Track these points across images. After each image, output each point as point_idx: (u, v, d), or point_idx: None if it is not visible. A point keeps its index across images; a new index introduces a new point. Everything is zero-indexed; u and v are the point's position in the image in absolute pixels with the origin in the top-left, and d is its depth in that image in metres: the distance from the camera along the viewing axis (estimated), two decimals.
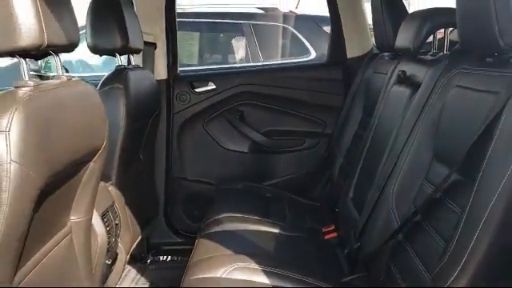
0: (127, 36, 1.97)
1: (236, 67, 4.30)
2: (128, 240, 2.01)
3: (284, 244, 1.86)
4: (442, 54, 1.67)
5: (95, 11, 1.93)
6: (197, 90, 2.70)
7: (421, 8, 1.97)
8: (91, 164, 1.38)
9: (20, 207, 1.00)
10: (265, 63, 4.21)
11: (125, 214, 1.97)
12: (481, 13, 1.12)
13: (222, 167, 2.73)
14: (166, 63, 2.63)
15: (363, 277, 1.55)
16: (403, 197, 1.44)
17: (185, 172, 2.73)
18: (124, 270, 2.07)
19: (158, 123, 2.49)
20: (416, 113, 1.50)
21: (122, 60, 2.12)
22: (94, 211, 1.52)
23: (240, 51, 4.56)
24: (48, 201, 1.16)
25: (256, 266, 1.58)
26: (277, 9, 4.81)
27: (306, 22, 4.42)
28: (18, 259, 1.07)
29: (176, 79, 2.68)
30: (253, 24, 4.44)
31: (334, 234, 1.98)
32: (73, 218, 1.39)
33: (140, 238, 2.20)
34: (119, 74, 1.98)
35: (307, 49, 4.23)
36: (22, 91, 1.06)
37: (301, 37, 4.33)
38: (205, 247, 1.80)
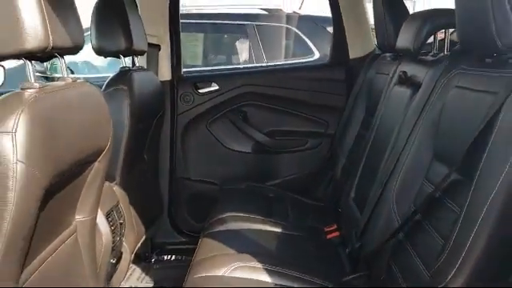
0: (131, 38, 1.99)
1: (239, 68, 4.32)
2: (132, 239, 2.03)
3: (286, 243, 1.88)
4: (442, 54, 1.68)
5: (100, 13, 1.95)
6: (200, 90, 2.72)
7: (426, 8, 1.98)
8: (96, 164, 1.40)
9: (26, 206, 1.02)
10: (267, 64, 4.23)
11: (129, 214, 1.99)
12: (479, 14, 1.13)
13: (225, 167, 2.75)
14: (170, 64, 2.66)
15: (364, 276, 1.56)
16: (404, 196, 1.45)
17: (189, 172, 2.76)
18: (129, 269, 2.09)
19: (162, 124, 2.51)
20: (416, 113, 1.52)
21: (127, 61, 2.15)
22: (99, 211, 1.54)
23: (244, 52, 4.58)
24: (53, 200, 1.18)
25: (258, 265, 1.60)
26: (280, 10, 4.83)
27: (310, 23, 4.44)
28: (24, 258, 1.09)
29: (180, 80, 2.70)
30: (256, 25, 4.46)
31: (336, 234, 1.99)
32: (78, 217, 1.41)
33: (144, 237, 2.22)
34: (123, 76, 2.01)
35: (311, 49, 4.24)
36: (28, 93, 1.09)
37: (304, 37, 4.35)
38: (208, 246, 1.82)
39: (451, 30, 1.72)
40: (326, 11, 2.85)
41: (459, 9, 1.25)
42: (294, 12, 4.77)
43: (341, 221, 2.05)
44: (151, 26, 2.45)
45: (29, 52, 1.10)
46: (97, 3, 1.96)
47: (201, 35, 4.58)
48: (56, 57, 1.26)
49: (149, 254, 2.63)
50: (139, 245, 2.16)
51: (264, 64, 4.24)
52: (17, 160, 0.98)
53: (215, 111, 2.74)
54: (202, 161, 2.76)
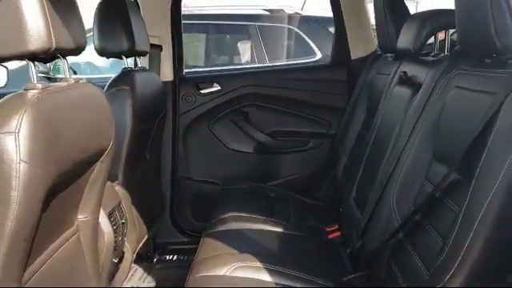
0: (133, 39, 2.01)
1: (241, 68, 4.33)
2: (134, 239, 2.04)
3: (287, 243, 1.89)
4: (442, 55, 1.69)
5: (102, 14, 1.96)
6: (202, 91, 2.73)
7: (429, 8, 1.99)
8: (98, 164, 1.41)
9: (29, 205, 1.03)
10: (269, 64, 4.24)
11: (131, 214, 2.00)
12: (478, 15, 1.14)
13: (227, 167, 2.76)
14: (172, 65, 2.67)
15: (365, 275, 1.57)
16: (404, 196, 1.46)
17: (190, 172, 2.77)
18: (131, 268, 2.10)
19: (164, 124, 2.52)
20: (417, 113, 1.53)
21: (129, 62, 2.16)
22: (101, 210, 1.55)
23: (246, 53, 4.59)
24: (56, 200, 1.19)
25: (259, 265, 1.61)
26: (282, 10, 4.84)
27: (312, 23, 4.45)
28: (27, 257, 1.10)
29: (182, 81, 2.72)
30: (258, 26, 4.48)
31: (338, 234, 2.00)
32: (80, 216, 1.42)
33: (146, 237, 2.23)
34: (126, 76, 2.02)
35: (313, 50, 4.25)
36: (31, 93, 1.10)
37: (306, 38, 4.36)
38: (209, 246, 1.83)
39: (452, 31, 1.73)
40: (327, 11, 2.86)
41: (459, 9, 1.26)
42: (296, 12, 4.78)
43: (342, 221, 2.06)
44: (153, 26, 2.46)
45: (32, 53, 1.11)
46: (99, 4, 1.97)
47: (203, 36, 4.60)
48: (59, 58, 1.27)
49: (151, 253, 2.64)
50: (141, 244, 2.16)
51: (265, 64, 4.25)
52: (20, 160, 0.99)
53: (217, 111, 2.75)
54: (204, 161, 2.77)
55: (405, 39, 1.79)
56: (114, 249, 1.72)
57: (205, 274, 1.58)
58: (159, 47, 2.61)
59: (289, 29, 4.57)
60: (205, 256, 1.73)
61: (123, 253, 1.93)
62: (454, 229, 1.06)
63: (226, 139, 2.77)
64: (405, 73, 1.78)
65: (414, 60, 1.79)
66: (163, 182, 2.64)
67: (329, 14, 2.76)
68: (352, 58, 2.67)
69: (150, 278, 2.49)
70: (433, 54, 1.77)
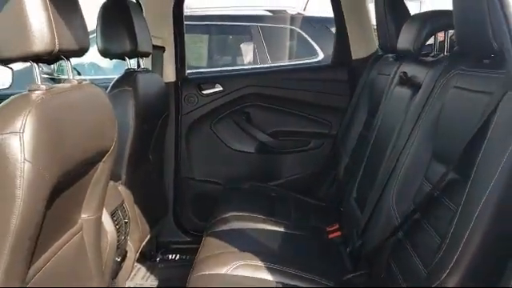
0: (136, 40, 2.03)
1: (242, 69, 4.35)
2: (137, 238, 2.06)
3: (288, 242, 1.91)
4: (442, 55, 1.70)
5: (105, 16, 1.99)
6: (204, 92, 2.76)
7: (433, 8, 2.00)
8: (101, 164, 1.43)
9: (33, 204, 1.05)
10: (270, 65, 4.26)
11: (134, 213, 2.02)
12: (475, 16, 1.15)
13: (229, 167, 2.78)
14: (175, 66, 2.69)
15: (365, 274, 1.58)
16: (403, 195, 1.47)
17: (193, 172, 2.79)
18: (134, 267, 2.12)
19: (166, 125, 2.54)
20: (416, 113, 1.54)
21: (132, 63, 2.18)
22: (104, 209, 1.57)
23: (248, 54, 4.61)
24: (60, 199, 1.21)
25: (260, 264, 1.62)
26: (285, 11, 4.85)
27: (314, 24, 4.46)
28: (31, 255, 1.12)
29: (184, 81, 2.74)
30: (261, 26, 4.49)
31: (338, 233, 2.01)
32: (83, 215, 1.44)
33: (149, 236, 2.25)
34: (128, 77, 2.04)
35: (315, 50, 4.27)
36: (35, 94, 1.12)
37: (308, 38, 4.37)
38: (211, 245, 1.84)
39: (451, 32, 1.74)
40: (330, 12, 2.87)
41: (456, 11, 1.28)
42: (298, 13, 4.80)
43: (342, 220, 2.07)
44: (156, 28, 2.48)
45: (36, 55, 1.13)
46: (102, 6, 1.99)
47: (205, 37, 4.62)
48: (62, 59, 1.29)
49: (154, 253, 2.66)
50: (144, 243, 2.18)
51: (267, 65, 4.27)
52: (24, 159, 1.01)
53: (219, 112, 2.77)
54: (206, 161, 2.79)
55: (405, 40, 1.80)
56: (117, 247, 1.74)
57: (206, 273, 1.60)
58: (162, 48, 2.63)
59: (291, 29, 4.59)
60: (206, 255, 1.75)
61: (126, 252, 1.95)
62: (452, 226, 1.08)
63: (227, 139, 2.79)
64: (405, 73, 1.79)
65: (414, 60, 1.80)
66: (166, 182, 2.66)
67: (331, 14, 2.77)
68: (353, 58, 2.68)
69: (152, 277, 2.51)
70: (432, 54, 1.78)
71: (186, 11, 4.28)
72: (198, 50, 4.66)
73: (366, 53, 2.65)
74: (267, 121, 2.79)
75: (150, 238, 2.28)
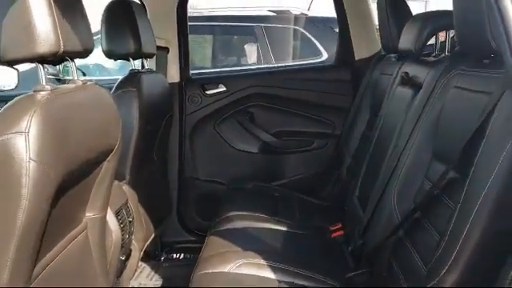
0: (140, 41, 2.05)
1: (246, 69, 4.37)
2: (141, 237, 2.08)
3: (291, 241, 1.92)
4: (443, 55, 1.71)
5: (109, 17, 2.01)
6: (208, 92, 2.77)
7: (438, 7, 2.00)
8: (105, 163, 1.45)
9: (38, 202, 1.07)
10: (273, 65, 4.27)
11: (138, 213, 2.04)
12: (475, 17, 1.16)
13: (232, 167, 2.80)
14: (179, 67, 2.71)
15: (366, 272, 1.59)
16: (404, 195, 1.48)
17: (197, 172, 2.80)
18: (138, 266, 2.14)
19: (170, 125, 2.56)
20: (417, 113, 1.55)
21: (136, 64, 2.20)
22: (109, 209, 1.59)
23: (252, 54, 4.63)
24: (65, 198, 1.23)
25: (263, 262, 1.64)
26: (289, 11, 4.87)
27: (318, 24, 4.47)
28: (36, 253, 1.14)
29: (188, 82, 2.76)
30: (265, 27, 4.51)
31: (341, 232, 2.02)
32: (88, 214, 1.46)
33: (153, 235, 2.27)
34: (133, 78, 2.06)
35: (319, 50, 4.28)
36: (40, 95, 1.14)
37: (312, 38, 4.38)
38: (214, 244, 1.86)
39: (452, 32, 1.74)
40: (333, 12, 2.88)
41: (456, 11, 1.29)
42: (302, 13, 4.81)
43: (345, 219, 2.08)
44: (159, 28, 2.50)
45: (41, 56, 1.15)
46: (107, 7, 2.02)
47: (210, 37, 4.64)
48: (67, 60, 1.31)
49: (158, 252, 2.68)
50: (148, 243, 2.20)
51: (270, 65, 4.29)
52: (29, 159, 1.03)
53: (223, 112, 2.79)
54: (210, 161, 2.81)
55: (406, 40, 1.81)
56: (121, 246, 1.75)
57: (209, 271, 1.62)
58: (166, 49, 2.65)
59: (295, 29, 4.60)
60: (210, 254, 1.76)
61: (130, 250, 1.97)
62: (451, 224, 1.09)
63: (231, 139, 2.81)
64: (406, 73, 1.80)
65: (416, 60, 1.81)
66: (170, 182, 2.68)
67: (335, 14, 2.78)
68: (356, 58, 2.69)
69: (157, 276, 2.53)
70: (434, 54, 1.79)
71: (193, 12, 4.31)
72: (202, 50, 4.68)
73: (369, 53, 2.66)
74: (271, 121, 2.80)
75: (155, 238, 2.30)
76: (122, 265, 1.87)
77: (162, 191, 2.55)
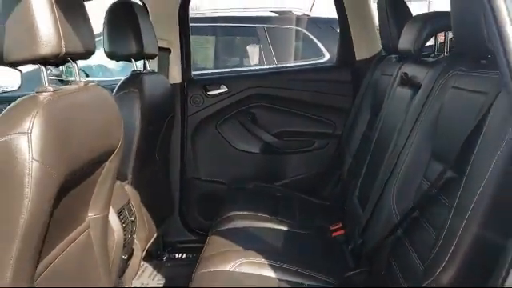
0: (142, 42, 2.06)
1: (247, 70, 4.38)
2: (144, 237, 2.09)
3: (291, 241, 1.93)
4: (442, 56, 1.72)
5: (111, 19, 2.02)
6: (210, 93, 2.79)
7: (442, 8, 2.01)
8: (107, 164, 1.46)
9: (41, 201, 1.08)
10: (275, 66, 4.29)
11: (140, 212, 2.05)
12: (471, 17, 1.17)
13: (234, 167, 2.81)
14: (181, 67, 2.73)
15: (365, 271, 1.60)
16: (403, 194, 1.49)
17: (199, 172, 2.82)
18: (140, 265, 2.15)
19: (172, 125, 2.57)
20: (416, 113, 1.56)
21: (138, 65, 2.22)
22: (111, 208, 1.61)
23: (254, 55, 4.64)
24: (67, 197, 1.25)
25: (263, 261, 1.65)
26: (291, 12, 4.87)
27: (320, 25, 4.48)
28: (39, 252, 1.16)
29: (190, 83, 2.77)
30: (267, 27, 4.52)
31: (341, 232, 2.03)
32: (90, 214, 1.47)
33: (156, 235, 2.28)
34: (134, 79, 2.08)
35: (321, 51, 4.28)
36: (43, 96, 1.16)
37: (315, 39, 4.39)
38: (216, 243, 1.88)
39: (451, 32, 1.75)
40: (335, 13, 2.89)
41: (454, 12, 1.30)
42: (304, 14, 4.82)
43: (346, 219, 2.10)
44: (161, 30, 2.52)
45: (43, 57, 1.17)
46: (109, 9, 2.03)
47: (212, 38, 4.65)
48: (69, 61, 1.33)
49: (160, 252, 2.69)
50: (150, 242, 2.22)
51: (271, 66, 4.30)
52: (32, 159, 1.05)
53: (224, 113, 2.81)
54: (212, 161, 2.83)
55: (405, 40, 1.82)
56: (124, 246, 1.77)
57: (210, 270, 1.63)
58: (167, 50, 2.67)
59: (297, 30, 4.60)
60: (211, 253, 1.78)
61: (132, 250, 1.98)
62: (447, 221, 1.10)
63: (233, 140, 2.82)
64: (405, 74, 1.82)
65: (415, 61, 1.82)
66: (172, 182, 2.69)
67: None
68: (357, 59, 2.70)
69: (159, 276, 2.54)
70: (433, 55, 1.80)
71: (196, 13, 4.32)
72: (204, 51, 4.69)
73: (370, 53, 2.67)
74: (272, 121, 2.82)
75: (157, 237, 2.32)
76: (125, 264, 1.88)
77: (164, 191, 2.56)
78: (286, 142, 2.83)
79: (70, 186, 1.24)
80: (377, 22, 2.48)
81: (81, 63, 1.40)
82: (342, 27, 2.72)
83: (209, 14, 4.94)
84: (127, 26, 2.03)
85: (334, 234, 2.04)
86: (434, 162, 1.41)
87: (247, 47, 4.71)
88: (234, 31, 4.73)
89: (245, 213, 2.14)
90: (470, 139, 1.14)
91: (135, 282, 2.35)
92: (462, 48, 1.32)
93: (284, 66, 4.33)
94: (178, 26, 2.68)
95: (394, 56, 2.23)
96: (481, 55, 1.27)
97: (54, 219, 1.18)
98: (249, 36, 4.66)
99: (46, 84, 1.20)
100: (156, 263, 2.63)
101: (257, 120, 2.83)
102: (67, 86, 1.34)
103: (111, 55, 2.07)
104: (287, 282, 1.59)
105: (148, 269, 2.58)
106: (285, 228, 2.03)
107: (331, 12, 2.91)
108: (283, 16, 4.78)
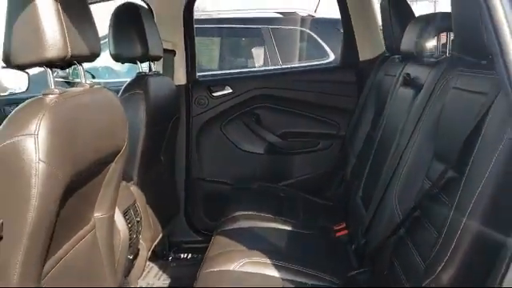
0: (147, 45, 2.08)
1: (251, 71, 4.40)
2: (149, 237, 2.11)
3: (295, 241, 1.95)
4: (444, 56, 1.73)
5: (117, 21, 2.05)
6: (214, 94, 2.81)
7: (448, 7, 2.01)
8: (113, 164, 1.48)
9: (47, 201, 1.10)
10: (279, 67, 4.30)
11: (146, 213, 2.07)
12: (471, 18, 1.18)
13: (239, 168, 2.83)
14: (185, 69, 2.75)
15: (368, 271, 1.61)
16: (405, 194, 1.50)
17: (204, 173, 2.84)
18: (146, 265, 2.17)
19: (177, 127, 2.59)
20: (418, 114, 1.57)
21: (143, 67, 2.24)
22: (117, 209, 1.63)
23: (259, 56, 4.65)
24: (73, 198, 1.27)
25: (267, 261, 1.67)
26: (295, 13, 4.89)
27: (325, 25, 4.48)
28: (46, 251, 1.18)
29: (195, 84, 2.80)
30: (272, 28, 4.53)
31: (345, 232, 2.05)
32: (96, 214, 1.49)
33: (161, 235, 2.30)
34: (140, 81, 2.10)
35: (326, 51, 4.29)
36: (49, 98, 1.18)
37: (319, 40, 4.40)
38: (220, 243, 1.89)
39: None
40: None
41: (455, 12, 1.31)
42: (309, 15, 4.82)
43: (349, 219, 2.11)
44: (166, 32, 2.54)
45: (49, 60, 1.20)
46: (114, 12, 2.06)
47: (217, 39, 4.67)
48: (75, 64, 1.36)
49: (166, 252, 2.71)
50: (156, 243, 2.23)
51: (275, 67, 4.31)
52: (39, 160, 1.07)
53: (229, 114, 2.82)
54: (217, 162, 2.85)
55: (408, 41, 1.83)
56: (129, 246, 1.78)
57: (215, 270, 1.65)
58: (172, 52, 2.69)
59: (302, 31, 4.61)
60: (215, 253, 1.80)
61: (138, 250, 2.00)
62: (447, 220, 1.11)
63: (237, 141, 2.84)
64: (408, 74, 1.83)
65: (417, 62, 1.83)
66: (177, 183, 2.72)
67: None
68: (360, 59, 2.71)
69: (165, 276, 2.56)
70: (435, 55, 1.80)
71: (201, 14, 4.33)
72: (210, 52, 4.71)
73: (373, 54, 2.68)
74: (276, 122, 2.83)
75: (162, 238, 2.33)
76: (130, 264, 1.90)
77: (169, 192, 2.58)
78: (290, 143, 2.84)
79: (75, 187, 1.26)
80: (380, 23, 2.49)
81: (87, 65, 1.42)
82: (346, 28, 2.73)
83: (215, 16, 4.96)
84: (132, 28, 2.06)
85: (338, 234, 2.05)
86: (436, 162, 1.42)
87: (252, 48, 4.72)
88: (239, 32, 4.75)
89: (249, 213, 2.15)
90: (469, 139, 1.14)
91: (141, 282, 2.37)
92: (462, 49, 1.33)
93: (287, 67, 4.34)
94: (182, 28, 2.70)
95: (397, 56, 2.24)
96: (481, 56, 1.27)
97: (60, 219, 1.20)
98: (254, 37, 4.67)
99: (53, 86, 1.23)
100: (161, 263, 2.65)
101: (261, 121, 2.84)
102: (73, 89, 1.37)
103: (117, 57, 2.10)
104: (291, 281, 1.60)
105: (154, 269, 2.60)
106: (289, 228, 2.05)
107: (336, 12, 2.92)
108: (288, 17, 4.79)
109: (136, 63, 2.19)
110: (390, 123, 1.95)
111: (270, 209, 2.20)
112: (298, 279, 1.60)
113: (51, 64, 1.23)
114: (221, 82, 2.87)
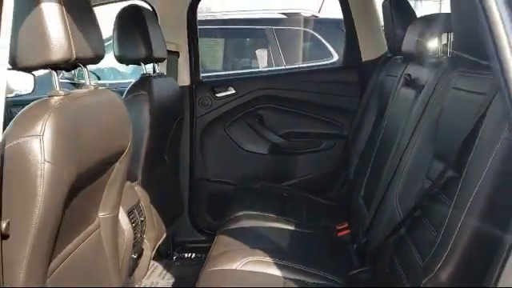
0: (151, 46, 2.10)
1: (255, 72, 4.41)
2: (153, 237, 2.13)
3: (297, 240, 1.96)
4: (444, 57, 1.74)
5: (121, 23, 2.07)
6: (218, 94, 2.83)
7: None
8: (117, 164, 1.50)
9: (53, 201, 1.13)
10: (282, 68, 4.32)
11: (150, 212, 2.09)
12: (470, 19, 1.19)
13: (242, 168, 2.85)
14: (189, 70, 2.77)
15: (369, 270, 1.63)
16: (406, 194, 1.51)
17: (207, 173, 2.86)
18: (150, 265, 2.19)
19: (181, 127, 2.61)
20: (418, 114, 1.58)
21: (148, 68, 2.26)
22: (121, 208, 1.65)
23: (263, 56, 4.67)
24: (78, 197, 1.29)
25: (269, 260, 1.68)
26: (299, 14, 4.90)
27: (328, 26, 4.49)
28: (51, 250, 1.20)
29: (198, 85, 2.82)
30: (275, 29, 4.55)
31: (347, 231, 2.06)
32: (101, 214, 1.51)
33: (165, 235, 2.32)
34: (144, 82, 2.12)
35: (330, 52, 4.31)
36: (54, 100, 1.21)
37: (323, 40, 4.41)
38: (223, 242, 1.91)
39: None
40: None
41: (454, 13, 1.32)
42: (313, 15, 4.84)
43: (351, 218, 2.12)
44: (170, 33, 2.56)
45: (54, 63, 1.22)
46: (118, 14, 2.08)
47: (221, 40, 4.69)
48: (80, 66, 1.38)
49: (170, 251, 2.73)
50: (160, 242, 2.25)
51: (278, 68, 4.33)
52: (44, 160, 1.09)
53: (232, 114, 2.84)
54: (220, 162, 2.86)
55: (408, 42, 1.84)
56: (134, 245, 1.80)
57: (217, 269, 1.67)
58: (176, 53, 2.71)
59: (306, 31, 4.63)
60: (218, 252, 1.81)
61: (142, 249, 2.02)
62: (446, 219, 1.12)
63: (241, 141, 2.86)
64: (409, 75, 1.84)
65: (418, 62, 1.84)
66: (181, 183, 2.74)
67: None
68: (363, 60, 2.72)
69: (169, 275, 2.58)
70: (436, 56, 1.81)
71: (206, 15, 4.35)
72: (214, 53, 4.74)
73: (376, 55, 2.69)
74: (279, 122, 2.85)
75: (166, 237, 2.35)
76: (134, 263, 1.92)
77: (173, 191, 2.60)
78: (293, 143, 2.85)
79: (80, 187, 1.28)
80: (382, 23, 2.50)
81: (92, 66, 1.44)
82: (348, 28, 2.75)
83: (219, 17, 4.98)
84: (136, 30, 2.08)
85: (340, 234, 2.06)
86: (436, 161, 1.43)
87: (256, 49, 4.74)
88: (243, 33, 4.77)
89: (252, 212, 2.17)
90: (468, 139, 1.16)
91: (145, 282, 2.39)
92: (463, 49, 1.34)
93: (290, 67, 4.36)
94: (186, 30, 2.72)
95: (399, 57, 2.25)
96: (481, 56, 1.28)
97: (65, 218, 1.22)
98: (257, 38, 4.69)
99: (58, 88, 1.25)
100: (166, 263, 2.67)
101: (264, 121, 2.86)
102: (78, 90, 1.39)
103: (121, 59, 2.12)
104: (293, 280, 1.61)
105: (158, 268, 2.62)
106: (291, 228, 2.06)
107: (339, 13, 2.93)
108: (292, 17, 4.81)
109: (140, 65, 2.21)
110: (391, 123, 1.96)
111: (273, 209, 2.21)
112: (301, 278, 1.62)
113: (56, 66, 1.26)
114: (224, 83, 2.89)
